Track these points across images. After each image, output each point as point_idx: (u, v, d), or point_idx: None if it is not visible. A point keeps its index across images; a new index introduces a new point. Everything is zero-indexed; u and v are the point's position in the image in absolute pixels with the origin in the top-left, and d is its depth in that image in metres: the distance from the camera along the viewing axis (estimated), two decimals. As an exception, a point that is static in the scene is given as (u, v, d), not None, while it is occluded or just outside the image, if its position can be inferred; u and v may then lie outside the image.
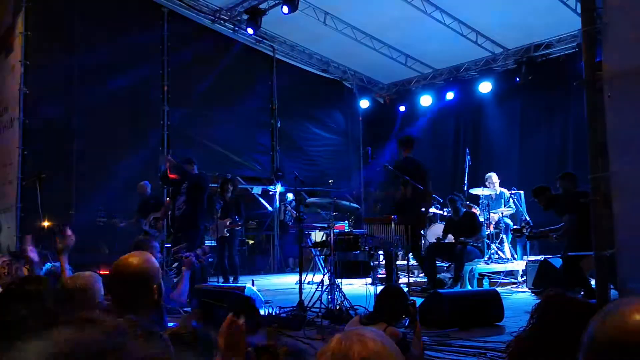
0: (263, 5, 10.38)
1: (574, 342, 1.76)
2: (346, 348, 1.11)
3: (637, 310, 0.93)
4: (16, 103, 9.40)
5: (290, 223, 11.43)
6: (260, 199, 12.18)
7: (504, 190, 9.31)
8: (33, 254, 3.60)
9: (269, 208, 12.04)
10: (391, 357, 1.11)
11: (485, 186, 9.32)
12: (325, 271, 6.86)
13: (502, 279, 8.44)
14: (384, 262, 7.80)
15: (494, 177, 9.35)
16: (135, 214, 8.89)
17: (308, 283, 8.02)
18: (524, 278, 8.21)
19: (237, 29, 11.51)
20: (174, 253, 6.56)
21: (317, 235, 10.37)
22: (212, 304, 5.36)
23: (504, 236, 9.02)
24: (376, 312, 3.55)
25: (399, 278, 7.63)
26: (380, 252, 8.35)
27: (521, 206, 9.12)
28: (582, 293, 6.02)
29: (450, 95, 12.19)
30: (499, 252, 8.80)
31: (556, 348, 1.77)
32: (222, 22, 11.39)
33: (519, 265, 8.53)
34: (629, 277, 3.25)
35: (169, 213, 8.22)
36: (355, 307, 5.77)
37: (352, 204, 7.42)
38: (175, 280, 5.94)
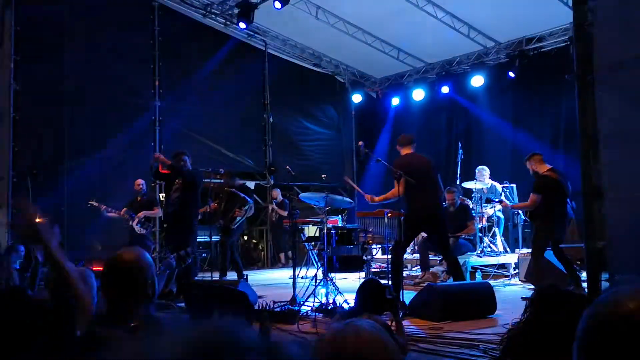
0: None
1: (569, 336, 1.77)
2: (341, 339, 1.12)
3: (630, 298, 0.93)
4: (6, 98, 9.33)
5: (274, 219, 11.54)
6: (253, 194, 12.16)
7: (496, 184, 9.33)
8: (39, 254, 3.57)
9: (262, 203, 12.02)
10: (386, 348, 1.13)
11: (477, 179, 9.32)
12: (319, 265, 6.87)
13: (495, 271, 8.49)
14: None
15: (485, 173, 9.28)
16: (126, 208, 8.81)
17: (302, 278, 8.03)
18: (516, 271, 8.27)
19: (228, 23, 11.45)
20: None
21: (311, 230, 10.38)
22: (206, 299, 5.36)
23: (497, 229, 9.06)
24: (358, 307, 3.56)
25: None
26: (375, 246, 8.37)
27: (513, 199, 9.15)
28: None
29: (443, 89, 12.19)
30: (491, 245, 8.84)
31: (551, 343, 1.78)
32: (213, 16, 11.33)
33: (511, 258, 8.58)
34: (619, 268, 3.27)
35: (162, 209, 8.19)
36: (347, 301, 5.78)
37: (345, 199, 7.43)
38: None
